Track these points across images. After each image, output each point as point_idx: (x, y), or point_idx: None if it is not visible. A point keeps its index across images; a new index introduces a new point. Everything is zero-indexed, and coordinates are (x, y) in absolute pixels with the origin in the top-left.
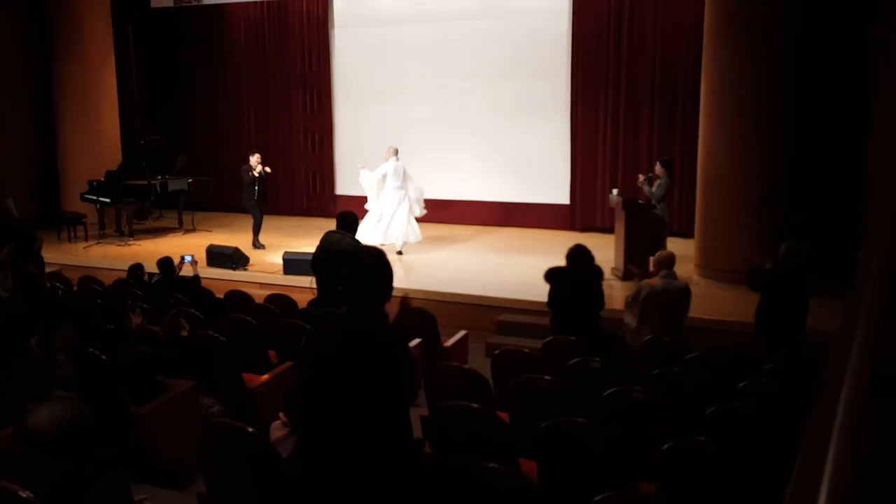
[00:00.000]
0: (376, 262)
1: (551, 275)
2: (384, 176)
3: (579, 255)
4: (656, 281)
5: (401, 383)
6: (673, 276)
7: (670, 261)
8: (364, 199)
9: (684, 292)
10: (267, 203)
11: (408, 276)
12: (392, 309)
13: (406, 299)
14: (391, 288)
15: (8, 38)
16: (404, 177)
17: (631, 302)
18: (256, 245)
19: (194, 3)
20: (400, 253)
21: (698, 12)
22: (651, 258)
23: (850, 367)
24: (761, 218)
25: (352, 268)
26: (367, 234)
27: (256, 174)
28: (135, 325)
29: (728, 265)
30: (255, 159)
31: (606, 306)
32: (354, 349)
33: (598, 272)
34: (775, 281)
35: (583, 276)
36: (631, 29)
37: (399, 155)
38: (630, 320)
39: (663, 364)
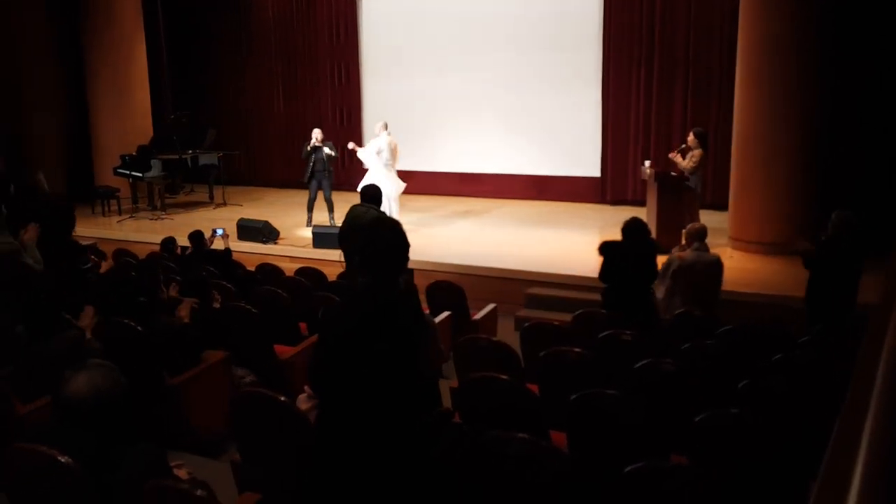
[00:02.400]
0: (391, 233)
1: (606, 248)
2: (379, 151)
3: (635, 228)
4: (687, 253)
5: (418, 350)
6: (705, 248)
7: (702, 233)
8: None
9: (716, 265)
10: (317, 180)
11: (437, 249)
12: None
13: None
14: (406, 258)
15: (38, 18)
16: (395, 152)
17: (661, 274)
18: (308, 222)
19: None
20: None
21: None
22: (683, 231)
23: (888, 340)
24: (796, 190)
25: (366, 239)
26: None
27: (309, 148)
28: (169, 297)
29: (762, 237)
30: (314, 134)
31: None
32: (371, 318)
33: (654, 245)
34: (825, 251)
35: (638, 249)
36: None
37: (389, 129)
38: (659, 293)
39: (695, 337)
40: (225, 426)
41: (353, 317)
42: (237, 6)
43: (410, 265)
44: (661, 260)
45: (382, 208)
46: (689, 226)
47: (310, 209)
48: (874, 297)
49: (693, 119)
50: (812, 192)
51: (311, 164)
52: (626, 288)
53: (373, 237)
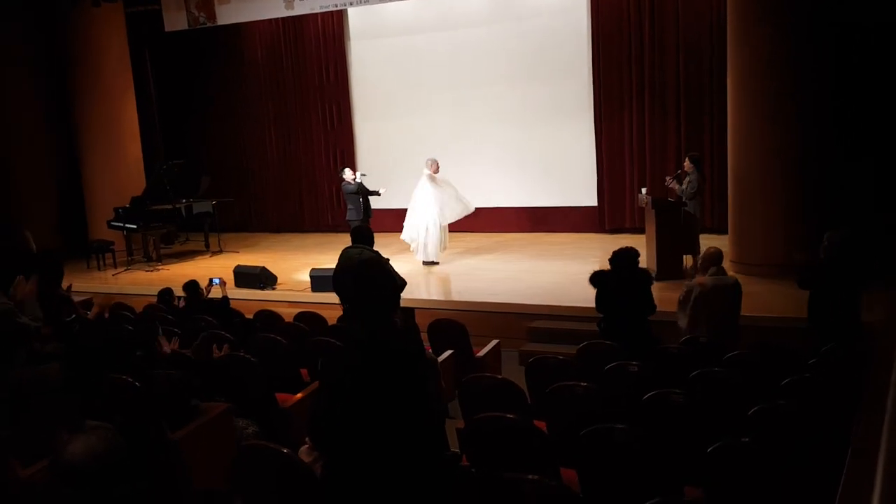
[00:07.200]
0: (377, 274)
1: (596, 278)
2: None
3: (624, 257)
4: (707, 279)
5: (420, 391)
6: (723, 272)
7: (718, 257)
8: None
9: (735, 288)
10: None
11: (437, 286)
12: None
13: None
14: (396, 297)
15: (28, 74)
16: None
17: (682, 303)
18: None
19: (209, 24)
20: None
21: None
22: (685, 256)
23: None
24: (794, 210)
25: (353, 283)
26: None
27: (362, 185)
28: (170, 351)
29: (763, 259)
30: (349, 172)
31: None
32: (372, 364)
33: (646, 275)
34: (820, 273)
35: (628, 278)
36: (652, 23)
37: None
38: (682, 322)
39: (703, 364)
40: (228, 480)
41: (352, 365)
42: (226, 52)
43: (411, 303)
44: (656, 287)
45: (432, 238)
46: (704, 251)
47: None
48: (878, 315)
49: (688, 142)
50: (812, 212)
51: (361, 199)
52: (620, 317)
53: (358, 280)
